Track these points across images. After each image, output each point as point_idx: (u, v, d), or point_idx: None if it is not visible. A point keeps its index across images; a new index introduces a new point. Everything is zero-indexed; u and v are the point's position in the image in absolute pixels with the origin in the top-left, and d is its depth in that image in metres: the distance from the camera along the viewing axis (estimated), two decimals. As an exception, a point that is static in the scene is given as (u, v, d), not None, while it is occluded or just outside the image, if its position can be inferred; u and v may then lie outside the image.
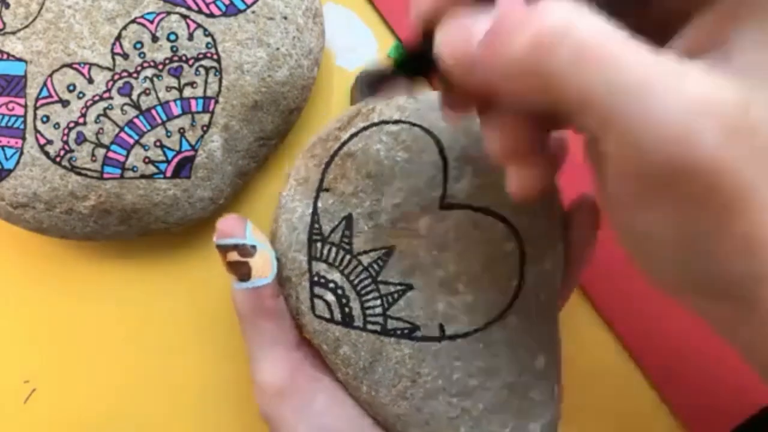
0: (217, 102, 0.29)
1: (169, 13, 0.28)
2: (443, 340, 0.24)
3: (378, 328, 0.24)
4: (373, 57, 0.34)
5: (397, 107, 0.24)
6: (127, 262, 0.33)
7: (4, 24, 0.29)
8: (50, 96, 0.28)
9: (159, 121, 0.28)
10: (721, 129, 0.13)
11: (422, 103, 0.24)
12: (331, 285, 0.24)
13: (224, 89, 0.29)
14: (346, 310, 0.24)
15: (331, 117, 0.34)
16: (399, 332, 0.24)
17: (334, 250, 0.24)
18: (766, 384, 0.16)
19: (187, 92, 0.28)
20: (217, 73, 0.29)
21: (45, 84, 0.28)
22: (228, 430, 0.32)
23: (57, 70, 0.28)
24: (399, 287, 0.24)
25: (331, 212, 0.24)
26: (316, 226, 0.24)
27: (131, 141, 0.28)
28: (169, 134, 0.28)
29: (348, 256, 0.24)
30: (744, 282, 0.14)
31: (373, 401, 0.24)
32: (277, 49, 0.29)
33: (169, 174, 0.29)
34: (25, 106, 0.28)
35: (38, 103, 0.28)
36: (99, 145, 0.28)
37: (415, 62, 0.19)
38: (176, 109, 0.28)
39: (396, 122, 0.24)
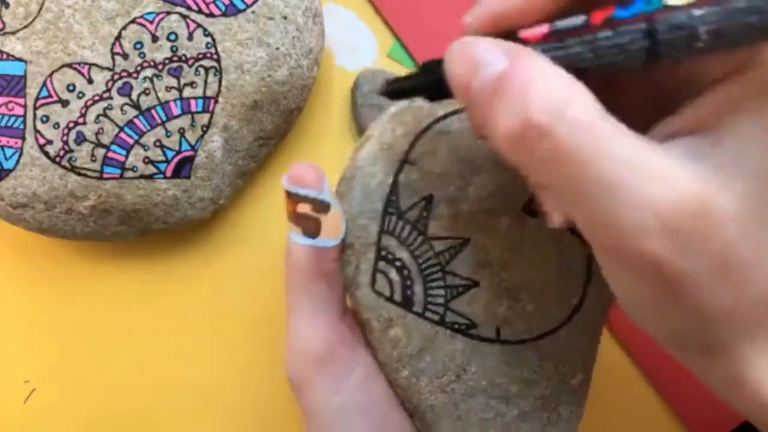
0: (216, 102, 0.29)
1: (168, 13, 0.28)
2: (496, 343, 0.23)
3: (436, 317, 0.23)
4: (374, 59, 0.34)
5: None
6: (127, 263, 0.33)
7: (3, 24, 0.29)
8: (50, 96, 0.28)
9: (159, 121, 0.28)
10: (663, 228, 0.14)
11: None
12: (398, 263, 0.23)
13: (224, 89, 0.29)
14: (408, 292, 0.23)
15: (332, 117, 0.34)
16: (456, 326, 0.23)
17: (408, 228, 0.23)
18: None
19: (187, 92, 0.28)
20: (217, 73, 0.29)
21: (45, 84, 0.28)
22: (228, 429, 0.32)
23: (57, 70, 0.28)
24: (466, 282, 0.23)
25: (413, 188, 0.23)
26: (393, 198, 0.23)
27: (131, 141, 0.28)
28: (168, 134, 0.28)
29: (421, 238, 0.23)
30: (705, 345, 0.16)
31: (410, 387, 0.24)
32: (277, 48, 0.29)
33: (168, 174, 0.29)
34: (25, 106, 0.28)
35: (38, 103, 0.28)
36: (99, 145, 0.28)
37: (436, 85, 0.19)
38: (176, 109, 0.28)
39: None
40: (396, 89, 0.21)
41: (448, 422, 0.24)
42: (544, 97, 0.15)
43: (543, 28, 0.16)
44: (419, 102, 0.24)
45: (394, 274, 0.23)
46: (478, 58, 0.16)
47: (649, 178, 0.14)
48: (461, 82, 0.17)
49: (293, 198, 0.22)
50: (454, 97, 0.18)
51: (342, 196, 0.24)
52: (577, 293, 0.24)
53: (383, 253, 0.23)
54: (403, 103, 0.24)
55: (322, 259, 0.23)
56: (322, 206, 0.22)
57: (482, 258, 0.23)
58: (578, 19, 0.16)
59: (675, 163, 0.15)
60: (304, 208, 0.22)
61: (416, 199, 0.23)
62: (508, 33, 0.17)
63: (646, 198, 0.14)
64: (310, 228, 0.22)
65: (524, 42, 0.16)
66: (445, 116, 0.23)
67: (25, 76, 0.28)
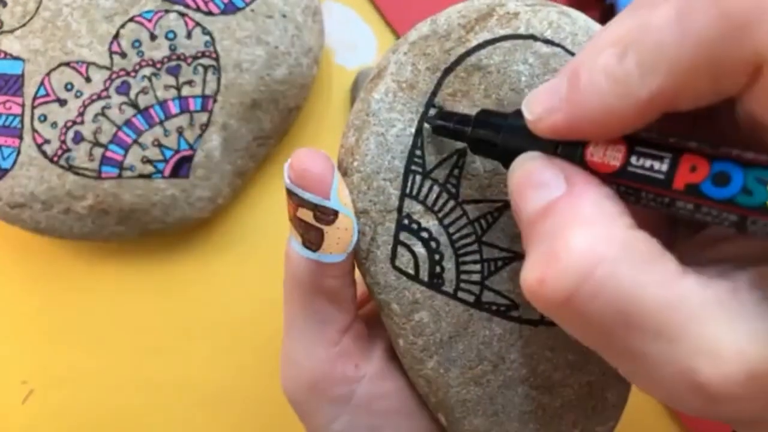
0: (215, 101, 0.28)
1: (167, 12, 0.28)
2: (540, 325, 0.20)
3: (471, 298, 0.19)
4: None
5: (549, 23, 0.18)
6: (125, 263, 0.33)
7: (1, 23, 0.29)
8: (48, 95, 0.28)
9: (157, 120, 0.28)
10: (709, 400, 0.13)
11: (579, 26, 0.19)
12: (424, 234, 0.19)
13: (223, 88, 0.28)
14: (437, 269, 0.19)
15: (332, 116, 0.34)
16: (494, 308, 0.19)
17: (436, 190, 0.19)
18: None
19: (186, 91, 0.28)
20: (216, 72, 0.28)
21: (42, 83, 0.28)
22: (228, 428, 0.32)
23: (54, 69, 0.28)
24: (506, 254, 0.19)
25: (442, 139, 0.19)
26: (418, 153, 0.19)
27: (129, 140, 0.28)
28: (167, 133, 0.28)
29: (452, 202, 0.19)
30: None
31: (437, 380, 0.20)
32: (276, 47, 0.29)
33: (167, 173, 0.29)
34: (23, 105, 0.28)
35: (36, 102, 0.28)
36: (97, 144, 0.28)
37: (484, 145, 0.17)
38: (174, 108, 0.28)
39: (548, 42, 0.18)
40: (440, 127, 0.18)
41: (481, 418, 0.20)
42: (576, 252, 0.13)
43: (616, 161, 0.14)
44: (444, 23, 0.19)
45: (419, 248, 0.19)
46: (538, 178, 0.14)
47: (694, 352, 0.12)
48: (518, 193, 0.15)
49: (294, 199, 0.18)
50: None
51: (351, 150, 0.19)
52: None
53: (406, 221, 0.19)
54: (424, 26, 0.19)
55: (323, 276, 0.19)
56: (327, 215, 0.18)
57: None
58: (657, 171, 0.13)
59: (727, 323, 0.13)
60: (305, 215, 0.18)
61: (446, 153, 0.19)
62: (577, 142, 0.15)
63: (689, 374, 0.13)
64: (311, 239, 0.18)
65: (590, 167, 0.14)
66: (480, 46, 0.18)
67: (22, 75, 0.28)
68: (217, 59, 0.28)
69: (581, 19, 0.19)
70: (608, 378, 0.21)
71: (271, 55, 0.29)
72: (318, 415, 0.20)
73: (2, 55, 0.28)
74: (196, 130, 0.29)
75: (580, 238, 0.13)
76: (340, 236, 0.18)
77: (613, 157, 0.14)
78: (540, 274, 0.13)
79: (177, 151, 0.29)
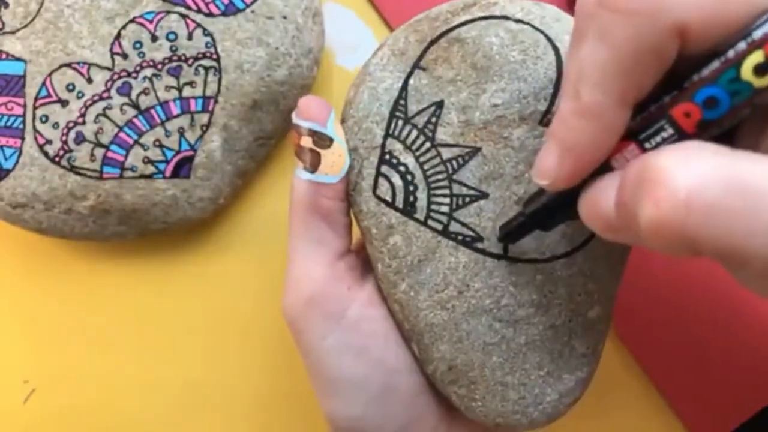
0: (216, 102, 0.29)
1: (168, 13, 0.28)
2: (503, 260, 0.22)
3: (439, 227, 0.22)
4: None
5: (522, 7, 0.22)
6: (126, 263, 0.33)
7: (3, 23, 0.29)
8: (49, 96, 0.28)
9: (158, 120, 0.28)
10: None
11: (549, 12, 0.22)
12: (402, 168, 0.22)
13: (223, 89, 0.29)
14: (411, 198, 0.22)
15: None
16: (460, 238, 0.22)
17: (414, 132, 0.22)
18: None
19: (187, 92, 0.28)
20: (217, 73, 0.28)
21: (44, 83, 0.28)
22: (228, 428, 0.32)
23: (56, 70, 0.28)
24: (473, 192, 0.22)
25: (423, 93, 0.22)
26: (402, 102, 0.22)
27: (130, 141, 0.28)
28: (168, 134, 0.28)
29: (428, 144, 0.22)
30: None
31: (408, 303, 0.23)
32: (277, 48, 0.29)
33: (168, 174, 0.29)
34: (24, 106, 0.28)
35: (37, 103, 0.28)
36: (98, 144, 0.28)
37: (551, 217, 0.20)
38: (175, 109, 0.28)
39: (518, 21, 0.22)
40: (509, 232, 0.21)
41: (447, 344, 0.22)
42: (675, 169, 0.14)
43: (635, 157, 0.16)
44: (436, 10, 0.23)
45: (396, 179, 0.22)
46: (602, 194, 0.17)
47: None
48: (592, 216, 0.17)
49: (297, 130, 0.22)
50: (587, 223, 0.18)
51: (350, 103, 0.23)
52: None
53: (387, 157, 0.22)
54: (419, 15, 0.24)
55: (319, 195, 0.22)
56: (323, 140, 0.22)
57: (493, 169, 0.22)
58: (669, 136, 0.16)
59: None
60: (306, 142, 0.22)
61: (426, 104, 0.22)
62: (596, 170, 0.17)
63: None
64: (311, 162, 0.22)
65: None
66: (461, 24, 0.22)
67: (24, 76, 0.28)
68: (218, 60, 0.28)
69: (552, 8, 0.22)
70: (575, 326, 0.23)
71: (271, 56, 0.29)
72: (312, 330, 0.22)
73: (4, 56, 0.29)
74: (197, 131, 0.29)
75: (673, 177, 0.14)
76: (335, 161, 0.22)
77: (632, 155, 0.16)
78: (651, 210, 0.14)
79: (178, 152, 0.29)
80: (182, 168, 0.29)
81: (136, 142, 0.28)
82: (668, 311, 0.31)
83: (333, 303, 0.22)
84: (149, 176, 0.29)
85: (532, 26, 0.22)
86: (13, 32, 0.29)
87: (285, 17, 0.29)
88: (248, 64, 0.29)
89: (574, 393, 0.23)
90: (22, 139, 0.28)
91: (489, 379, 0.22)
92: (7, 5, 0.29)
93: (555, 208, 0.19)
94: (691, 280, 0.31)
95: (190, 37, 0.28)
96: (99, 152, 0.28)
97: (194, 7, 0.28)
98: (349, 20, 0.34)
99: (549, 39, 0.22)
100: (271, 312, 0.32)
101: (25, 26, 0.29)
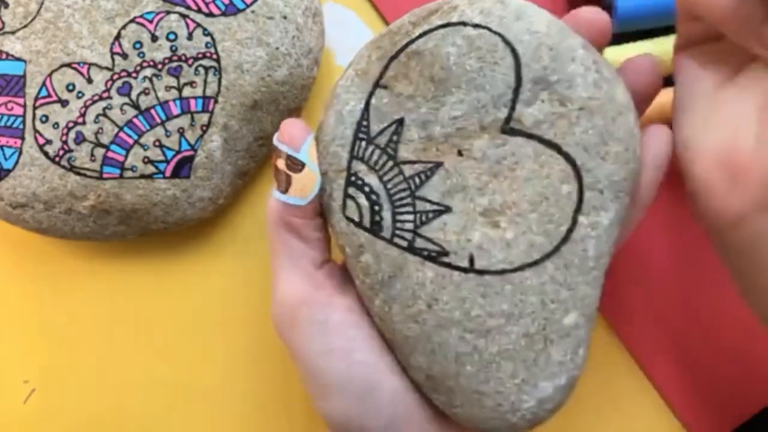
0: (216, 102, 0.29)
1: (168, 13, 0.28)
2: (470, 272, 0.22)
3: (405, 243, 0.22)
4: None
5: (481, 10, 0.22)
6: (126, 263, 0.33)
7: (3, 23, 0.29)
8: (49, 96, 0.28)
9: (158, 120, 0.28)
10: None
11: (510, 10, 0.22)
12: (366, 189, 0.23)
13: (224, 89, 0.29)
14: (376, 218, 0.23)
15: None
16: (426, 253, 0.22)
17: (377, 152, 0.23)
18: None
19: (187, 92, 0.28)
20: (217, 73, 0.28)
21: (44, 83, 0.28)
22: (228, 428, 0.32)
23: (56, 70, 0.28)
24: (436, 207, 0.22)
25: (383, 112, 0.23)
26: (365, 123, 0.23)
27: (130, 141, 0.28)
28: (168, 134, 0.28)
29: (390, 163, 0.23)
30: None
31: (385, 316, 0.23)
32: (277, 48, 0.29)
33: (168, 174, 0.29)
34: (24, 106, 0.28)
35: (37, 103, 0.28)
36: (98, 144, 0.28)
37: None
38: (175, 109, 0.28)
39: (476, 26, 0.22)
40: None
41: (422, 356, 0.23)
42: None
43: None
44: (398, 22, 0.23)
45: (362, 200, 0.23)
46: None
47: None
48: None
49: (276, 152, 0.23)
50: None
51: (321, 126, 0.24)
52: (565, 221, 0.22)
53: (353, 178, 0.23)
54: (384, 29, 0.24)
55: (287, 215, 0.23)
56: (296, 164, 0.23)
57: (456, 182, 0.22)
58: None
59: None
60: (280, 164, 0.23)
61: (387, 123, 0.23)
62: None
63: None
64: (282, 184, 0.23)
65: None
66: (419, 36, 0.22)
67: (24, 76, 0.28)
68: (218, 60, 0.28)
69: (514, 3, 0.22)
70: (550, 333, 0.22)
71: (271, 56, 0.29)
72: (299, 337, 0.23)
73: (4, 56, 0.29)
74: (197, 131, 0.29)
75: None
76: (305, 184, 0.23)
77: None
78: None
79: (178, 152, 0.29)
80: (182, 168, 0.29)
81: (136, 142, 0.28)
82: (668, 311, 0.31)
83: (315, 310, 0.23)
84: (149, 176, 0.29)
85: (490, 30, 0.22)
86: (13, 32, 0.29)
87: (285, 17, 0.29)
88: (248, 64, 0.29)
89: (554, 399, 0.23)
90: (22, 139, 0.28)
91: (465, 388, 0.23)
92: (7, 5, 0.29)
93: None
94: (691, 280, 0.31)
95: (190, 37, 0.28)
96: (99, 152, 0.28)
97: (194, 7, 0.28)
98: (349, 20, 0.34)
99: (507, 42, 0.21)
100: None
101: (25, 26, 0.29)
